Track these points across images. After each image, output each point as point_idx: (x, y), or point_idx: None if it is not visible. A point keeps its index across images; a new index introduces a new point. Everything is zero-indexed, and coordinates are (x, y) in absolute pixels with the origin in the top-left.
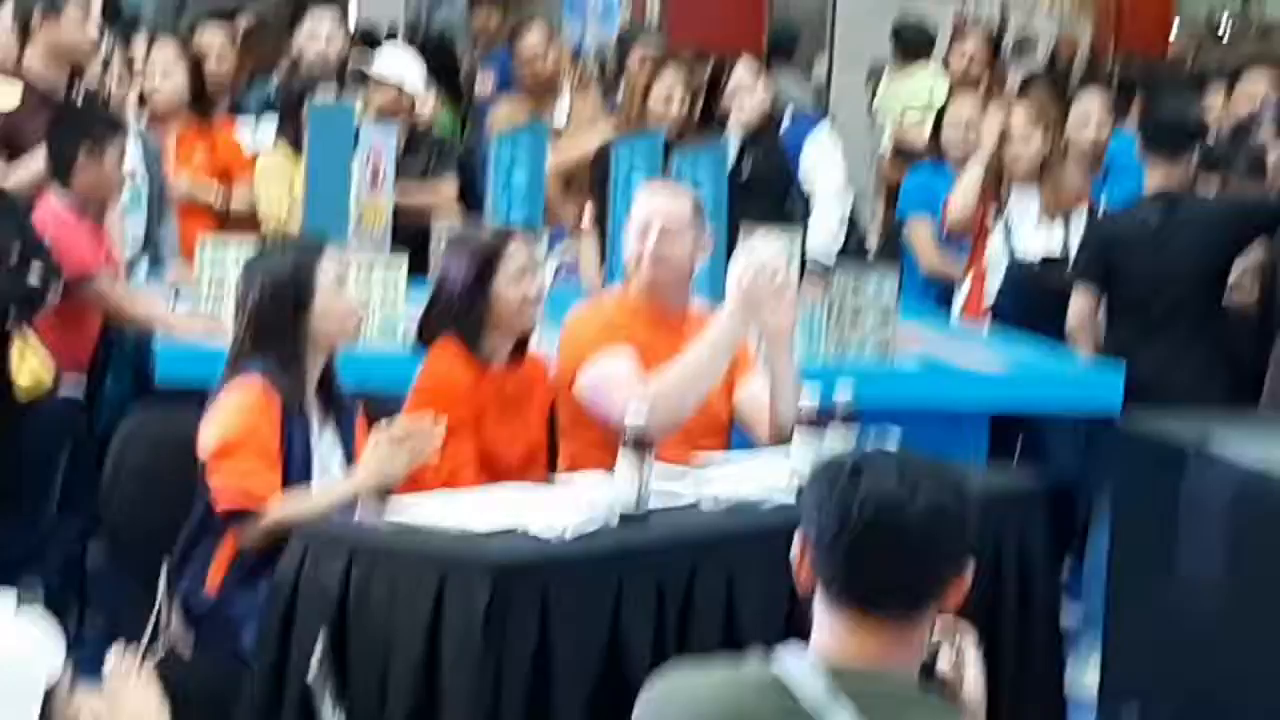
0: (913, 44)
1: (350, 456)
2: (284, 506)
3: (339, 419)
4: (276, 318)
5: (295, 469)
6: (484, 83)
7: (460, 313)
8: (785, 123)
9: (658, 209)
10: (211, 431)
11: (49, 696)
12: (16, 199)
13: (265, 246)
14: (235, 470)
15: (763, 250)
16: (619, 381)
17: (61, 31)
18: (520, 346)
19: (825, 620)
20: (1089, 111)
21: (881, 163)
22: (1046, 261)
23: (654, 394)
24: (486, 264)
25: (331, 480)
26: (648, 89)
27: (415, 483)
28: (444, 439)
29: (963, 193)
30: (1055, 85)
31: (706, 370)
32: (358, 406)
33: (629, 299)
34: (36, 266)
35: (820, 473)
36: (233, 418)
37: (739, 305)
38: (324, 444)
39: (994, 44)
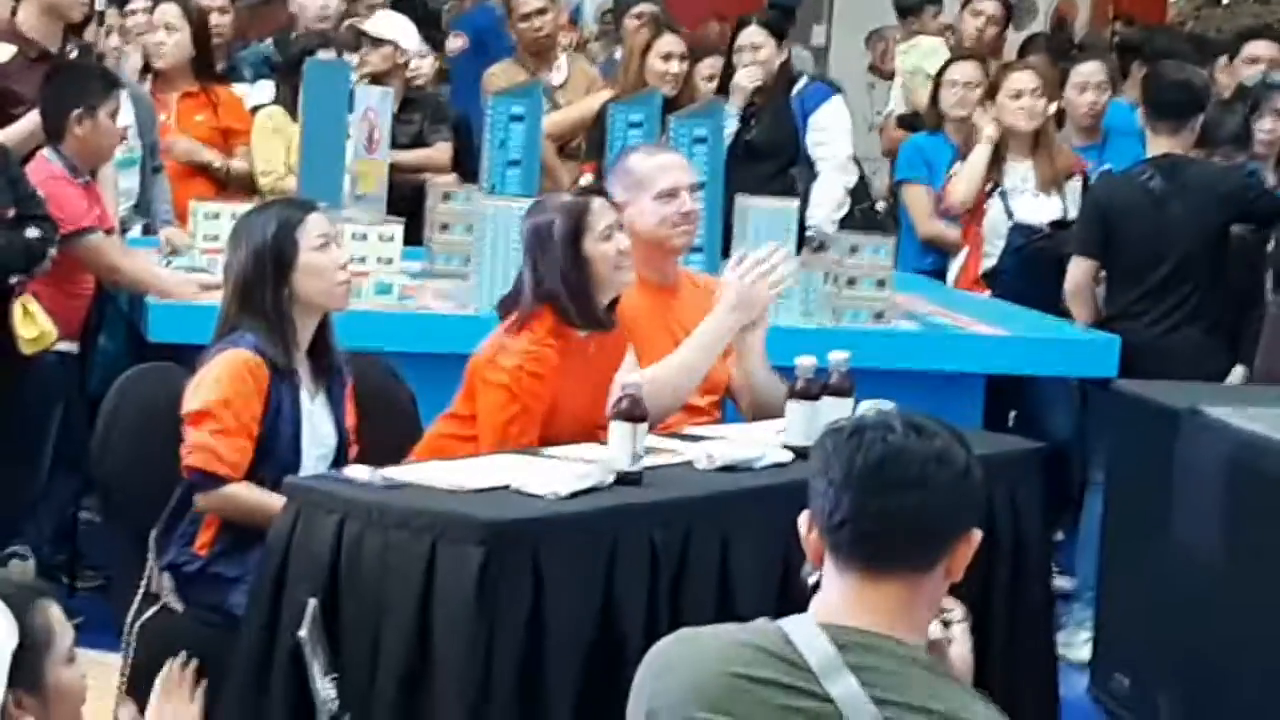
0: (910, 6)
1: (340, 423)
2: (248, 491)
3: (330, 384)
4: (259, 279)
5: (284, 435)
6: (454, 41)
7: (564, 278)
8: (796, 89)
9: (680, 169)
10: (193, 397)
11: (35, 661)
12: (10, 155)
13: (251, 210)
14: (207, 432)
15: (763, 252)
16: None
17: None
18: (610, 308)
19: (833, 586)
20: (1087, 79)
21: (888, 126)
22: (1056, 225)
23: (645, 388)
24: (575, 226)
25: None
26: (646, 50)
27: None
28: (515, 418)
29: (968, 177)
30: (1053, 49)
31: (699, 368)
32: (347, 382)
33: None
34: (34, 223)
35: (822, 439)
36: (214, 386)
37: (734, 306)
38: (315, 409)
39: (1007, 5)
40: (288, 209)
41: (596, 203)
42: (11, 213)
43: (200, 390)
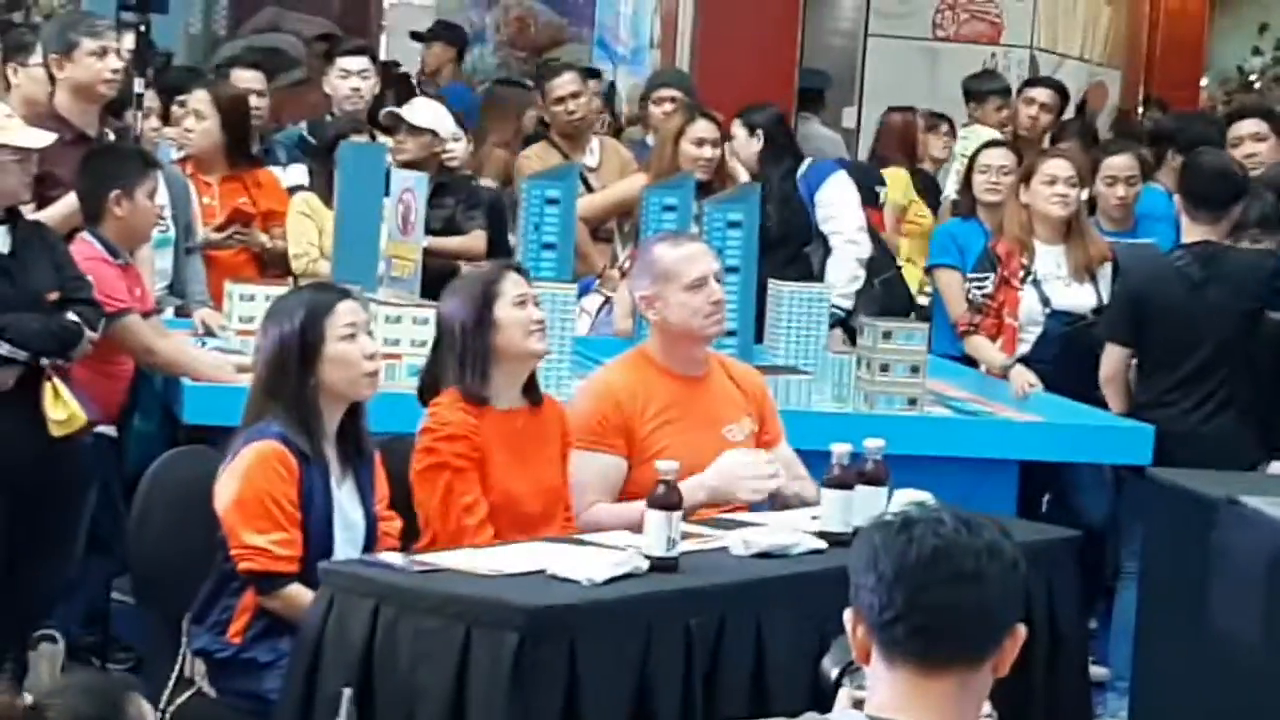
0: (982, 91)
1: (368, 508)
2: (310, 593)
3: (358, 470)
4: (285, 368)
5: (317, 524)
6: None
7: (463, 349)
8: (800, 170)
9: (705, 258)
10: (227, 491)
11: None
12: (57, 239)
13: (285, 294)
14: (255, 532)
15: (753, 463)
16: (579, 486)
17: (78, 69)
18: (532, 389)
19: (882, 683)
20: (1118, 173)
21: (943, 211)
22: (1096, 312)
23: (587, 522)
24: (485, 294)
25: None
26: (679, 135)
27: (432, 536)
28: (450, 484)
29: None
30: (1085, 134)
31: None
32: (374, 459)
33: (656, 355)
34: (77, 306)
35: (868, 533)
36: (250, 482)
37: (714, 488)
38: (344, 495)
39: (1063, 93)
40: (318, 295)
41: (512, 273)
42: (55, 295)
43: (235, 485)
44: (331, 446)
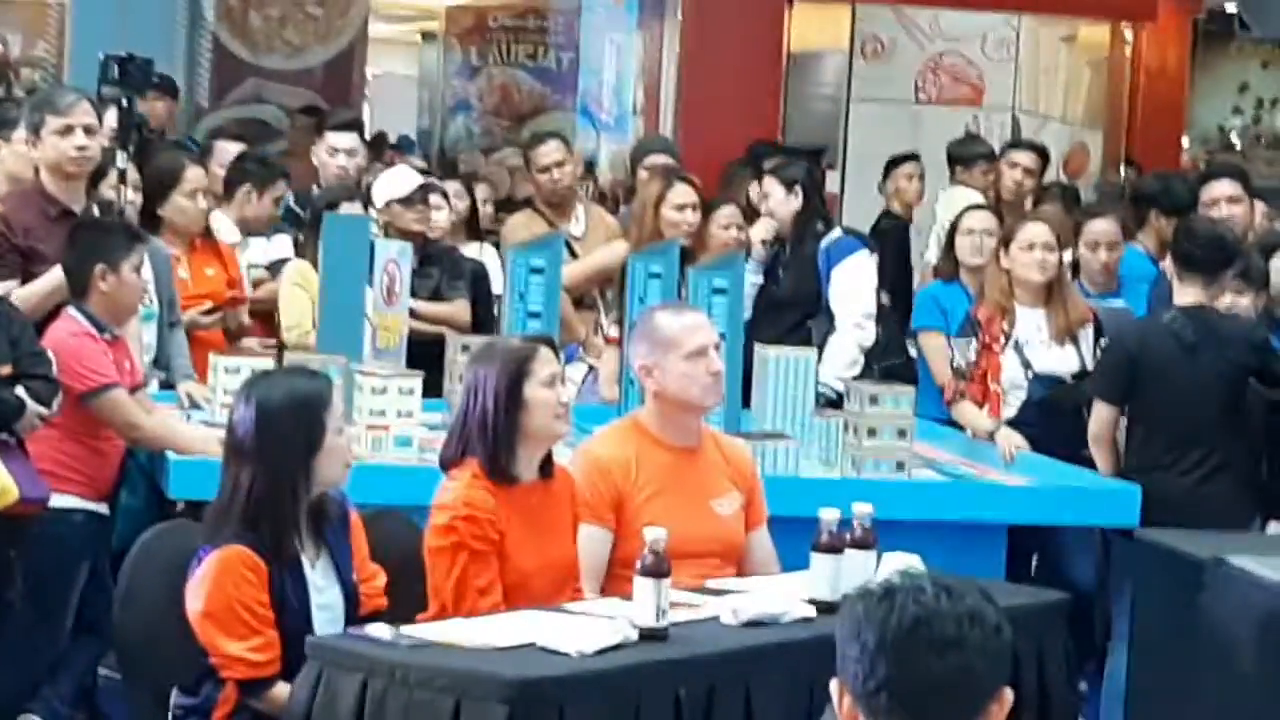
0: (967, 156)
1: (346, 581)
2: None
3: (331, 542)
4: (288, 461)
5: (293, 618)
6: None
7: (494, 425)
8: (825, 241)
9: (706, 328)
10: (198, 603)
11: None
12: (14, 312)
13: (267, 378)
14: (231, 640)
15: None
16: None
17: (44, 147)
18: (547, 461)
19: None
20: (1099, 238)
21: (925, 274)
22: (1076, 377)
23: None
24: (517, 371)
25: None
26: (659, 201)
27: (441, 610)
28: (466, 566)
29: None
30: (1067, 196)
31: None
32: (348, 516)
33: (650, 424)
34: (29, 382)
35: (851, 603)
36: (218, 589)
37: None
38: (318, 576)
39: (1044, 155)
40: (309, 393)
41: (543, 350)
42: (6, 370)
43: (204, 594)
44: (304, 531)
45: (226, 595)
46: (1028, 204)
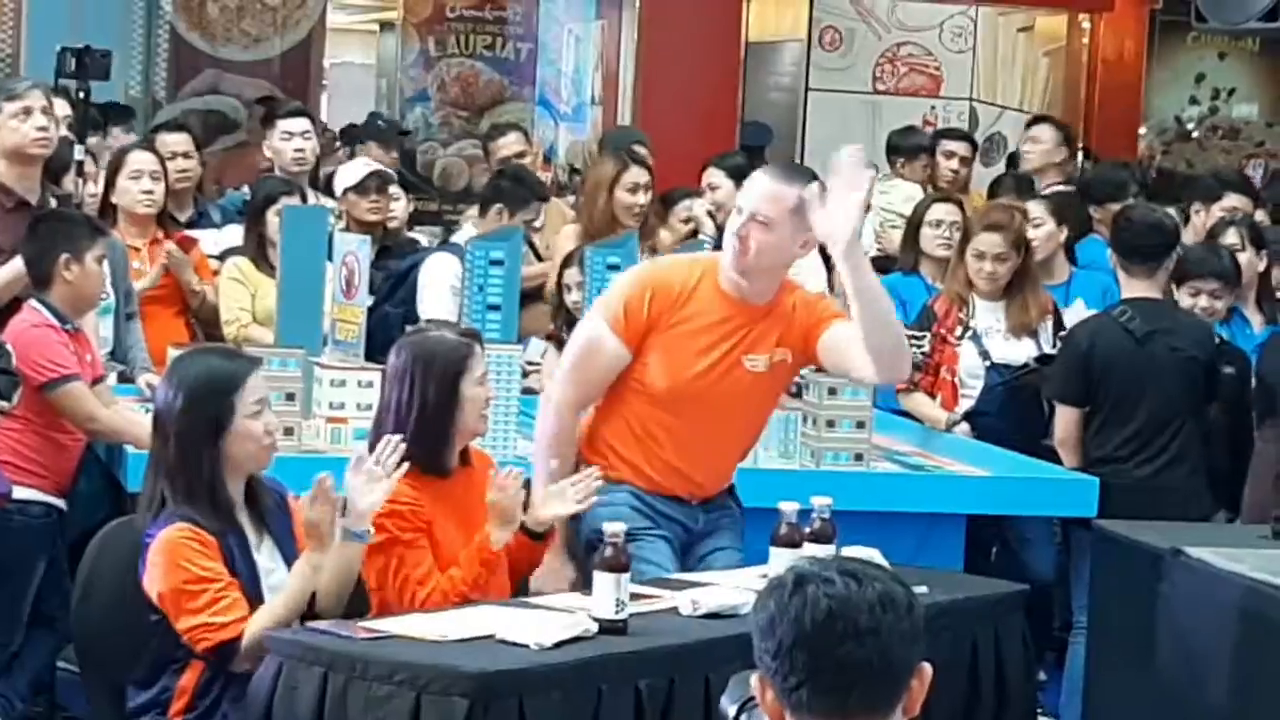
0: (904, 149)
1: (290, 559)
2: (260, 621)
3: (273, 526)
4: (196, 441)
5: (244, 590)
6: None
7: (431, 420)
8: None
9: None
10: (157, 583)
11: None
12: None
13: (189, 357)
14: (190, 614)
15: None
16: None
17: (3, 133)
18: (464, 451)
19: None
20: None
21: None
22: (1039, 360)
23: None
24: (457, 368)
25: (288, 576)
26: (614, 182)
27: (382, 603)
28: (402, 557)
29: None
30: (1021, 186)
31: None
32: (286, 502)
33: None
34: None
35: (764, 599)
36: (174, 567)
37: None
38: (263, 557)
39: (974, 144)
40: (223, 370)
41: (478, 348)
42: None
43: (159, 574)
44: (243, 514)
45: (179, 569)
46: (971, 193)
